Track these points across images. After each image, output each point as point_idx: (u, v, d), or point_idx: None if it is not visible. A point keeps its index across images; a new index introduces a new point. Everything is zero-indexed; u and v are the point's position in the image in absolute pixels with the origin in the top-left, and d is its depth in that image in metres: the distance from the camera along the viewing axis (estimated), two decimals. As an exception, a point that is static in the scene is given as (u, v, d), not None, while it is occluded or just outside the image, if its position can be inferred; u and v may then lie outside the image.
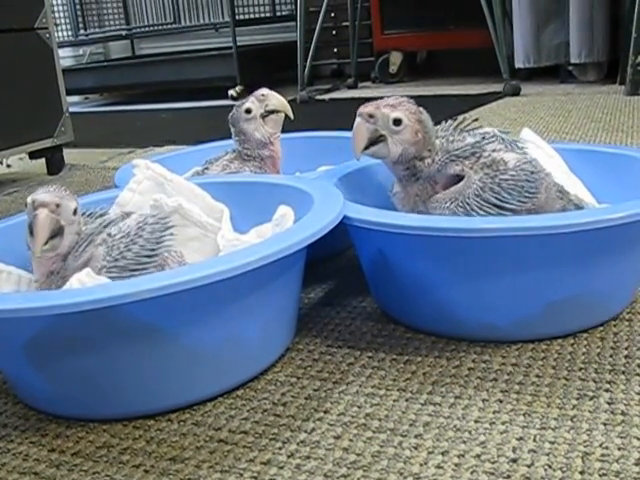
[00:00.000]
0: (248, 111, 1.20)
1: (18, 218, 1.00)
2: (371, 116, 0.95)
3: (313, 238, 0.80)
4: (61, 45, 2.31)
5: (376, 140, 0.96)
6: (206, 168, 1.23)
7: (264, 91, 1.22)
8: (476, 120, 1.03)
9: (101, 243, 0.86)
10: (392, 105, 0.95)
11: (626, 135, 2.05)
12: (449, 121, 1.02)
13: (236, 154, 1.23)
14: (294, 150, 1.34)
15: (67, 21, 4.69)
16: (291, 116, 1.23)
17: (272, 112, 1.21)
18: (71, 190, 0.88)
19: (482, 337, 0.89)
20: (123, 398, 0.78)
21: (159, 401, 0.79)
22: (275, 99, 1.22)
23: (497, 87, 3.20)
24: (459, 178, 0.95)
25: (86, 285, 0.78)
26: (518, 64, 3.34)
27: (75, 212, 0.86)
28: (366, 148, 0.96)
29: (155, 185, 1.04)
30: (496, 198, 0.91)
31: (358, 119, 0.96)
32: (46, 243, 0.84)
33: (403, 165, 0.98)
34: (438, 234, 0.82)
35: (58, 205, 0.84)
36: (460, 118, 1.04)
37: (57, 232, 0.85)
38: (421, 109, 0.97)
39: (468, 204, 0.92)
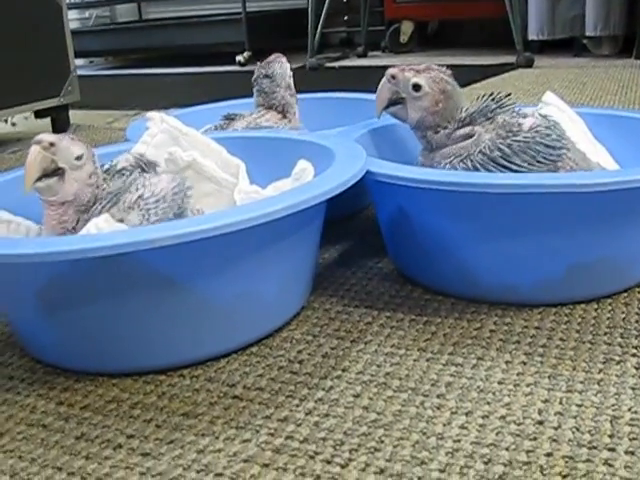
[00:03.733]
0: (290, 69, 1.26)
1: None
2: (394, 77, 0.95)
3: (336, 191, 0.78)
4: (68, 7, 2.27)
5: (397, 101, 0.96)
6: (227, 123, 1.22)
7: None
8: (509, 95, 0.99)
9: (132, 207, 0.82)
10: (416, 70, 0.95)
11: (643, 108, 2.02)
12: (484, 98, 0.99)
13: (264, 111, 1.24)
14: (309, 111, 1.32)
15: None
16: None
17: None
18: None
19: (503, 299, 0.87)
20: (133, 352, 0.76)
21: (170, 356, 0.77)
22: None
23: (509, 59, 3.16)
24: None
25: (103, 230, 0.76)
26: (531, 36, 3.29)
27: (79, 158, 0.82)
28: (387, 107, 0.97)
29: (169, 138, 1.02)
30: (503, 158, 0.88)
31: (383, 79, 0.97)
32: (40, 180, 0.81)
33: (421, 132, 0.97)
34: (461, 189, 0.80)
35: (52, 144, 0.80)
36: (495, 93, 0.99)
37: (52, 172, 0.81)
38: (450, 80, 0.95)
39: (472, 161, 0.89)
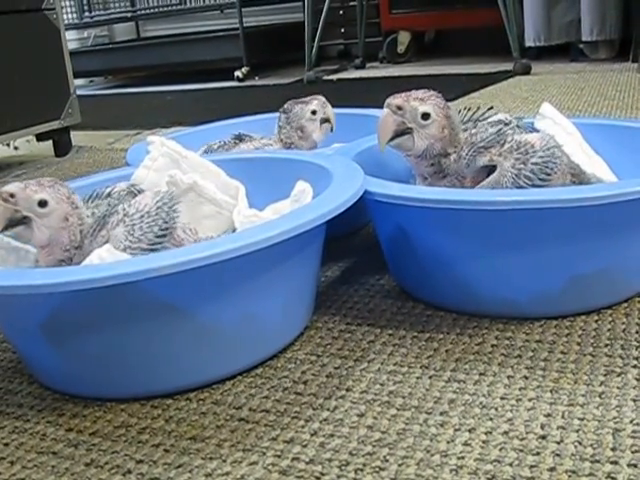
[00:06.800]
0: (314, 112, 1.25)
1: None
2: (399, 108, 0.93)
3: (335, 212, 0.79)
4: (66, 28, 2.28)
5: (402, 132, 0.95)
6: (236, 143, 1.24)
7: (323, 98, 1.27)
8: (491, 108, 1.02)
9: (118, 224, 0.83)
10: (421, 98, 0.94)
11: (641, 113, 2.02)
12: (462, 112, 1.01)
13: (276, 142, 1.26)
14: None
15: (72, 3, 4.66)
16: (334, 129, 1.28)
17: (326, 120, 1.27)
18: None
19: (504, 313, 0.87)
20: (139, 377, 0.77)
21: (176, 380, 0.78)
22: (331, 110, 1.27)
23: (507, 66, 3.16)
24: (487, 169, 0.94)
25: (106, 261, 0.77)
26: (528, 42, 3.29)
27: (43, 204, 0.82)
28: (391, 140, 0.95)
29: (170, 162, 1.03)
30: (527, 184, 0.90)
31: (385, 110, 0.95)
32: (6, 229, 0.82)
33: (427, 161, 0.96)
34: (459, 207, 0.81)
35: (12, 195, 0.81)
36: (474, 108, 1.03)
37: (18, 221, 0.82)
38: (449, 104, 0.96)
39: None
